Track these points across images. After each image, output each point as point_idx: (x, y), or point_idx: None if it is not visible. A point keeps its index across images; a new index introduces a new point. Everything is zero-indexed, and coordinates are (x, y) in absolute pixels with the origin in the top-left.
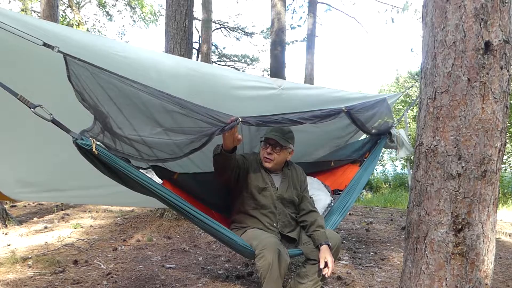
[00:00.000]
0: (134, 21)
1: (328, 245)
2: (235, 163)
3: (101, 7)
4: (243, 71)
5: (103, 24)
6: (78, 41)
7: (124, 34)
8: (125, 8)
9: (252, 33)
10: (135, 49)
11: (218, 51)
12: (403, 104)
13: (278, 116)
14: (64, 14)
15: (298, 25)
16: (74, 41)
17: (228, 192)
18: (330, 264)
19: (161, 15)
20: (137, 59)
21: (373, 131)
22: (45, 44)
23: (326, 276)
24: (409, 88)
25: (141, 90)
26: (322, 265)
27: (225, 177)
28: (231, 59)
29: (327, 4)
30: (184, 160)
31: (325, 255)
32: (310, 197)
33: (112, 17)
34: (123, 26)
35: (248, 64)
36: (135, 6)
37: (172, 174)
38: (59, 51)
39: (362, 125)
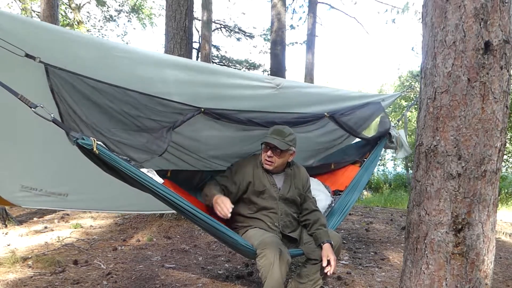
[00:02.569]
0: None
1: (330, 243)
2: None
3: (99, 6)
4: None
5: (104, 23)
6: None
7: (126, 34)
8: (128, 16)
9: (252, 34)
10: (136, 49)
11: (219, 54)
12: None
13: (242, 116)
14: (64, 13)
15: (298, 26)
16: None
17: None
18: (332, 262)
19: (160, 15)
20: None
21: (368, 135)
22: (27, 55)
23: (328, 274)
24: (407, 89)
25: (122, 94)
26: (324, 263)
27: None
28: (232, 62)
29: (327, 4)
30: (176, 159)
31: (328, 253)
32: (313, 197)
33: (112, 17)
34: (124, 24)
35: (249, 69)
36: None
37: (165, 172)
38: (40, 62)
39: (352, 130)
